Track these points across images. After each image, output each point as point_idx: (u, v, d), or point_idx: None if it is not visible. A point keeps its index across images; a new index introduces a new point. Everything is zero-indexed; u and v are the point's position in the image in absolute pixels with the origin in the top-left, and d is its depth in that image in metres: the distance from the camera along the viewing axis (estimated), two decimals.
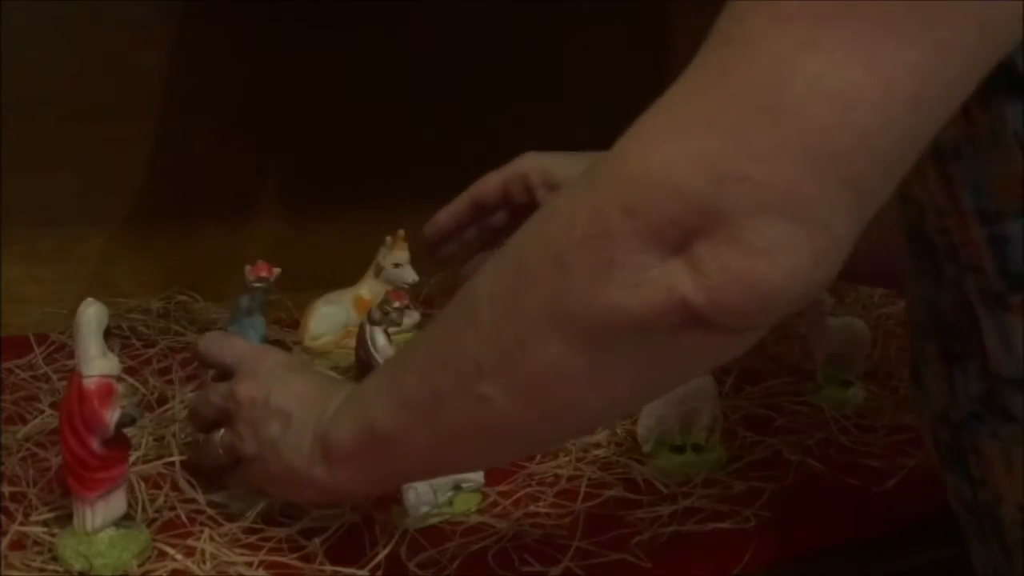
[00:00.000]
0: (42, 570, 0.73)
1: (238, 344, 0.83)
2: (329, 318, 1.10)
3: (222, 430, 0.78)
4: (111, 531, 0.74)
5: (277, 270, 0.83)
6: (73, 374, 0.71)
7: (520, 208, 0.99)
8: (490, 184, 1.00)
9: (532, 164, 0.98)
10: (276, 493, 0.77)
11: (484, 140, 1.27)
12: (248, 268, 0.82)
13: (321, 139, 1.24)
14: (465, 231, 1.05)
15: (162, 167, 1.17)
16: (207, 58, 1.16)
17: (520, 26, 1.33)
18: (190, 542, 0.76)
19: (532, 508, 0.83)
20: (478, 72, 1.31)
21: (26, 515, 0.79)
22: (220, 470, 0.80)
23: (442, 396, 0.62)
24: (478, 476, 0.84)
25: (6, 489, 0.82)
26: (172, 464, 0.86)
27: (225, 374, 0.80)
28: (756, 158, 0.49)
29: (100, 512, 0.73)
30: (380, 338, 0.91)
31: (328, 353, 1.09)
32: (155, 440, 0.91)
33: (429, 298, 1.27)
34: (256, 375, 0.77)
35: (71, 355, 0.77)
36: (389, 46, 1.26)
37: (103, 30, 1.12)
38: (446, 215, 1.03)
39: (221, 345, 0.82)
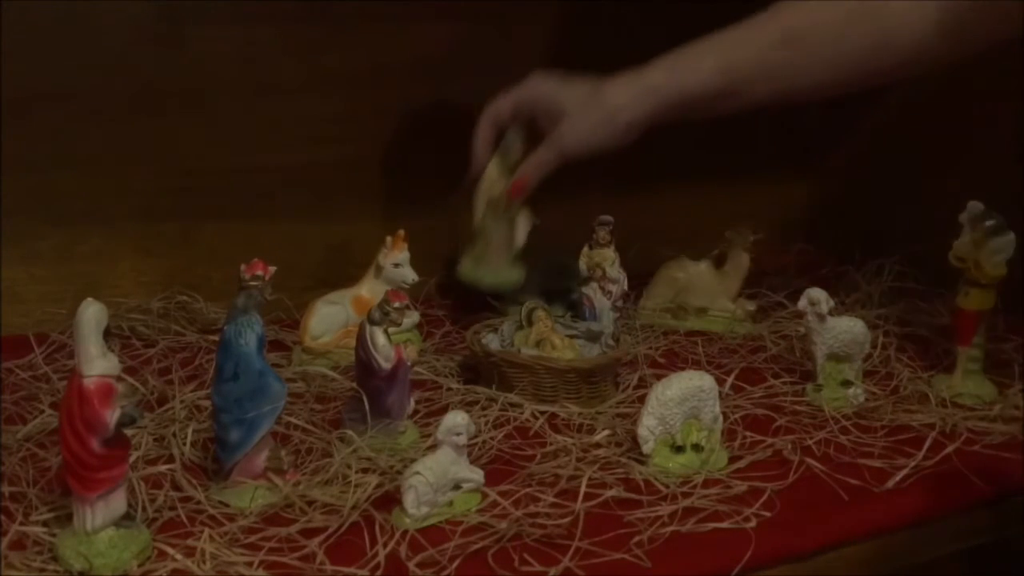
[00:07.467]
0: (42, 570, 0.73)
1: None
2: (329, 318, 1.10)
3: None
4: (111, 531, 0.74)
5: (273, 268, 0.83)
6: (73, 374, 0.71)
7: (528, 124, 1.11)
8: (503, 106, 1.12)
9: (538, 88, 1.10)
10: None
11: None
12: (243, 267, 0.82)
13: (321, 141, 1.24)
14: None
15: (162, 167, 1.17)
16: (208, 58, 1.16)
17: None
18: (190, 542, 0.76)
19: (532, 508, 0.83)
20: None
21: (26, 515, 0.79)
22: None
23: None
24: (478, 476, 0.84)
25: (6, 489, 0.82)
26: (172, 464, 0.86)
27: None
28: None
29: (100, 512, 0.73)
30: (380, 338, 0.91)
31: (328, 353, 1.09)
32: (155, 440, 0.91)
33: (429, 298, 1.27)
34: None
35: (71, 355, 0.77)
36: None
37: (103, 30, 1.12)
38: (482, 145, 1.13)
39: None
